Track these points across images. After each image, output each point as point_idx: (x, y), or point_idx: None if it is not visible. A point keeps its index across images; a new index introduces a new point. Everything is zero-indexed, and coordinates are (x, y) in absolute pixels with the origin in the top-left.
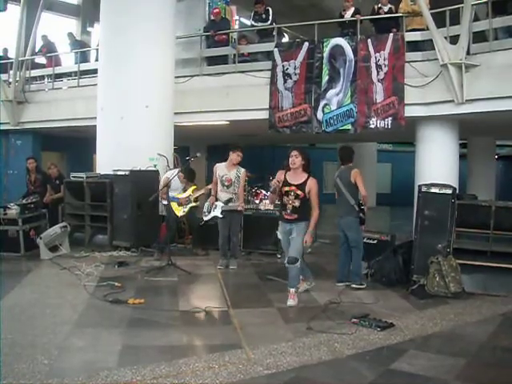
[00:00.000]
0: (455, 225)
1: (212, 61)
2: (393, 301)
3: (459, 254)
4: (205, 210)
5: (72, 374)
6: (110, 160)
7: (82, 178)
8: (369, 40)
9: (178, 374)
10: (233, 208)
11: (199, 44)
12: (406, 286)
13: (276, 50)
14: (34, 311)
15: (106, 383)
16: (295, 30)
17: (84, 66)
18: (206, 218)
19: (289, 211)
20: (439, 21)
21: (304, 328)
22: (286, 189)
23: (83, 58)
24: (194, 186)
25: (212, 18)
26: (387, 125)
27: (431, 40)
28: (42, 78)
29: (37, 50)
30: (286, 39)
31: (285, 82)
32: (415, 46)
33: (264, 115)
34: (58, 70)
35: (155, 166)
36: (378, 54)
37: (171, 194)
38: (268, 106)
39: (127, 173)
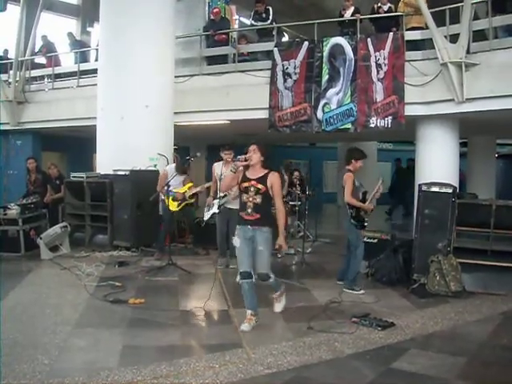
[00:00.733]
0: (455, 224)
1: (212, 60)
2: (393, 300)
3: (459, 252)
4: (205, 211)
5: (73, 374)
6: (110, 160)
7: (82, 177)
8: (368, 39)
9: (179, 374)
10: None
11: (199, 44)
12: (406, 285)
13: (276, 49)
14: (34, 311)
15: (106, 383)
16: (295, 29)
17: (84, 66)
18: (205, 218)
19: (249, 210)
20: (439, 20)
21: (304, 327)
22: (245, 184)
23: (83, 58)
24: (191, 183)
25: (212, 17)
26: (387, 124)
27: (431, 39)
28: (41, 78)
29: (36, 50)
30: (285, 39)
31: (285, 81)
32: (415, 44)
33: (264, 114)
34: (58, 70)
35: (155, 165)
36: (377, 53)
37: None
38: (268, 106)
39: (127, 173)
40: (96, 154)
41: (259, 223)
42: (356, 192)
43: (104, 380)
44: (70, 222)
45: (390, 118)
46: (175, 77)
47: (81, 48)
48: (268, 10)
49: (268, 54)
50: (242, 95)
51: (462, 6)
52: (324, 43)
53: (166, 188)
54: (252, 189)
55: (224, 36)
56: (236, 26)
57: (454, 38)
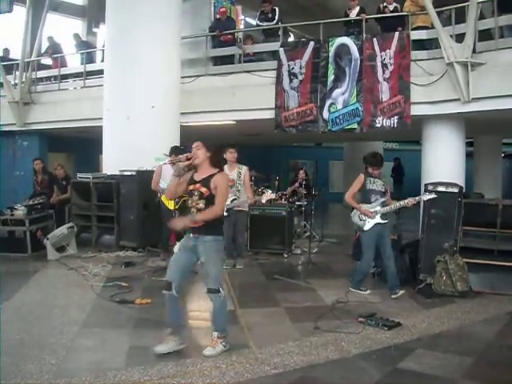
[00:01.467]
0: (462, 223)
1: (218, 61)
2: (400, 300)
3: (466, 252)
4: None
5: (79, 374)
6: (116, 160)
7: (89, 178)
8: (374, 39)
9: (186, 374)
10: (238, 205)
11: (205, 44)
12: (412, 285)
13: (281, 49)
14: (41, 311)
15: (113, 383)
16: (301, 29)
17: (90, 67)
18: None
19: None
20: (445, 19)
21: (311, 327)
22: (190, 188)
23: (89, 58)
24: None
25: (218, 16)
26: (393, 124)
27: (437, 38)
28: (48, 78)
29: (43, 51)
30: (291, 39)
31: (290, 81)
32: (421, 44)
33: (270, 115)
34: (64, 70)
35: None
36: (383, 53)
37: (164, 185)
38: (274, 106)
39: (133, 173)
40: (102, 154)
41: (201, 231)
42: (366, 194)
43: (111, 380)
44: (77, 222)
45: (396, 117)
46: (181, 77)
47: (87, 49)
48: (274, 10)
49: (274, 54)
50: (248, 95)
51: (468, 5)
52: (330, 43)
53: (160, 187)
54: (196, 193)
55: (230, 36)
56: (242, 27)
57: (459, 38)
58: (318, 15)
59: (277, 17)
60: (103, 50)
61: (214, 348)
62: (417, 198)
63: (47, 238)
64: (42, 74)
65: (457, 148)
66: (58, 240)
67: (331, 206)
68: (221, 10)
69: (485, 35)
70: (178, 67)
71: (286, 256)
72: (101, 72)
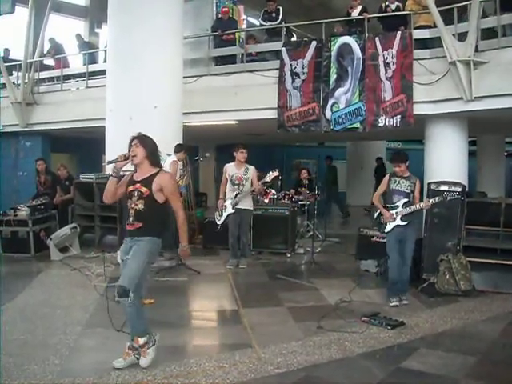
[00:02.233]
0: (465, 222)
1: (220, 60)
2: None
3: (469, 251)
4: (216, 215)
5: (83, 374)
6: None
7: (92, 178)
8: (377, 38)
9: (189, 374)
10: (242, 197)
11: (207, 44)
12: (416, 285)
13: (284, 49)
14: (44, 312)
15: (116, 383)
16: (303, 28)
17: (92, 68)
18: (219, 222)
19: (131, 219)
20: (447, 18)
21: (314, 327)
22: (130, 188)
23: (91, 59)
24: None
25: (220, 16)
26: (396, 123)
27: (439, 37)
28: (50, 79)
29: (45, 52)
30: (294, 38)
31: (293, 81)
32: (423, 43)
33: (273, 114)
34: (67, 71)
35: None
36: (386, 52)
37: None
38: (276, 106)
39: None
40: (105, 154)
41: (140, 233)
42: (390, 195)
43: (114, 380)
44: (80, 222)
45: (398, 117)
46: (183, 77)
47: (89, 49)
48: (278, 9)
49: (276, 54)
50: (251, 95)
51: (470, 3)
52: (332, 42)
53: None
54: (136, 193)
55: (232, 35)
56: (244, 27)
57: (462, 37)
58: (320, 15)
59: (280, 16)
60: (105, 51)
61: (145, 357)
62: (437, 198)
63: (50, 239)
64: (44, 74)
65: (459, 147)
66: (61, 240)
67: (334, 205)
68: (223, 9)
69: (487, 34)
70: (181, 67)
71: (288, 255)
72: (103, 72)
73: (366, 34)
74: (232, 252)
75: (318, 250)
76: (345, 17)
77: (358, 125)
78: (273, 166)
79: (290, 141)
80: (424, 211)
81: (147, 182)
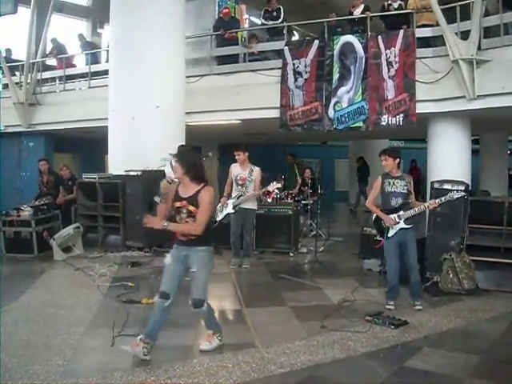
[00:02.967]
0: (468, 221)
1: (222, 60)
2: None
3: (472, 250)
4: (217, 211)
5: (86, 375)
6: (121, 160)
7: (95, 178)
8: (379, 37)
9: (192, 374)
10: (245, 199)
11: (209, 43)
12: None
13: (286, 48)
14: (47, 312)
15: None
16: (305, 27)
17: (95, 68)
18: (218, 218)
19: None
20: (449, 17)
21: (318, 326)
22: (177, 204)
23: (94, 59)
24: None
25: (221, 15)
26: (399, 122)
27: (442, 36)
28: (53, 79)
29: (47, 53)
30: (295, 37)
31: (295, 80)
32: (426, 42)
33: (275, 114)
34: (69, 71)
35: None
36: (388, 51)
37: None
38: (279, 105)
39: (139, 173)
40: (108, 154)
41: (194, 243)
42: (386, 197)
43: (118, 380)
44: (83, 222)
45: (401, 115)
46: (186, 77)
47: (91, 50)
48: (279, 8)
49: (278, 53)
50: (253, 95)
51: (473, 2)
52: (334, 41)
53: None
54: (184, 210)
55: (234, 34)
56: (246, 26)
57: (464, 35)
58: (322, 13)
59: (282, 15)
60: (107, 51)
61: (211, 343)
62: (443, 198)
63: (53, 239)
64: (46, 74)
65: (462, 145)
66: (64, 240)
67: (337, 204)
68: (224, 11)
69: (490, 32)
70: (183, 67)
71: (292, 255)
72: (106, 72)
73: (369, 33)
74: (234, 251)
75: (321, 250)
76: (347, 15)
77: (360, 124)
78: (275, 165)
79: (293, 140)
80: (427, 210)
81: (193, 200)
